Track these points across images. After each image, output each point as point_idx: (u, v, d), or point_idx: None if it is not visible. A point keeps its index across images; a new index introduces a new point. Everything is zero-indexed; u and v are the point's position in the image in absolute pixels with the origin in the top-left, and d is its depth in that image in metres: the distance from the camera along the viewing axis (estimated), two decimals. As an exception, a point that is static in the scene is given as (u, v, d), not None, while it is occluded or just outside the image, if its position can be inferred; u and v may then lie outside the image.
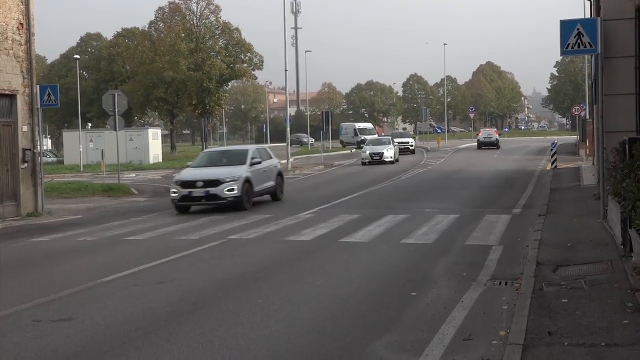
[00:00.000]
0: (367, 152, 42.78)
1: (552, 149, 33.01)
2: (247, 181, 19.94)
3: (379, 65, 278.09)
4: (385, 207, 18.63)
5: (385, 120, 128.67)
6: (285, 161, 41.13)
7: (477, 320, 7.53)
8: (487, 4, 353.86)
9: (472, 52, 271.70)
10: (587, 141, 35.77)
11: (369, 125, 78.81)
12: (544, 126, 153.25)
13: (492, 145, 56.59)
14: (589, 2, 27.62)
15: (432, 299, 8.57)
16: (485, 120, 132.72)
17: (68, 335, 7.51)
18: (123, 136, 46.87)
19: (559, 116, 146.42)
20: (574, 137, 62.14)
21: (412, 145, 57.06)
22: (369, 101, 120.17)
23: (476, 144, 59.84)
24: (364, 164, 41.77)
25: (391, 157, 42.18)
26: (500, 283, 9.31)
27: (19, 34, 20.32)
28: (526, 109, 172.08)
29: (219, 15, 62.28)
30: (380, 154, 41.96)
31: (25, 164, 20.50)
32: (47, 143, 79.23)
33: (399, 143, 54.92)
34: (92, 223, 18.23)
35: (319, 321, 7.74)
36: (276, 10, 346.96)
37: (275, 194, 22.13)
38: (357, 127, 74.30)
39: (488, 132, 60.88)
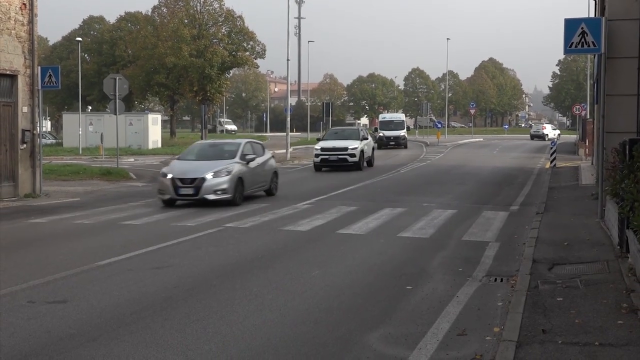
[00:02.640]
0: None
1: (551, 148, 33.00)
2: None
3: (381, 57, 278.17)
4: (383, 200, 18.63)
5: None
6: (284, 151, 41.16)
7: (471, 316, 7.54)
8: (492, 0, 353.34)
9: (474, 47, 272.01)
10: (587, 141, 35.78)
11: (398, 116, 58.69)
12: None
13: (541, 138, 65.61)
14: (593, 1, 27.56)
15: (427, 293, 8.58)
16: (486, 117, 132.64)
17: (62, 317, 7.52)
18: (123, 120, 46.83)
19: (560, 115, 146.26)
20: (573, 136, 62.20)
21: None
22: (370, 93, 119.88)
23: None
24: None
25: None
26: (495, 279, 9.32)
27: (22, 14, 20.24)
28: (527, 107, 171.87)
29: (222, 3, 62.07)
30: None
31: (24, 145, 20.46)
32: (47, 125, 79.17)
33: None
34: (90, 206, 18.21)
35: (313, 312, 7.74)
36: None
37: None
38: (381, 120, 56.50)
39: (537, 127, 74.97)
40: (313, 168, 31.50)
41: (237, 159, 18.68)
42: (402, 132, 52.69)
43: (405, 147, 52.21)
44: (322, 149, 30.88)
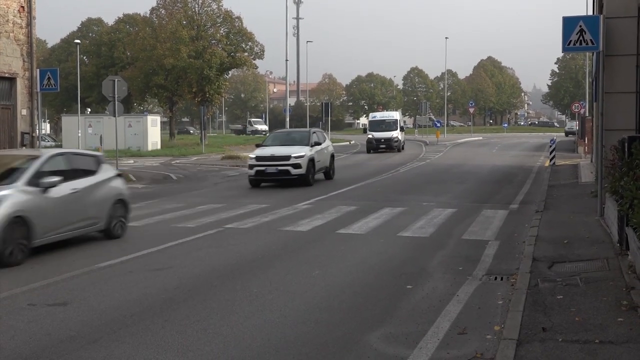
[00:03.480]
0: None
1: (551, 146, 33.01)
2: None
3: (379, 57, 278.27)
4: (383, 200, 18.64)
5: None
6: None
7: (472, 315, 7.54)
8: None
9: (473, 46, 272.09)
10: (586, 139, 35.79)
11: (390, 115, 51.20)
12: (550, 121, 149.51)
13: (575, 134, 64.21)
14: (592, -1, 27.56)
15: (427, 292, 8.59)
16: (485, 116, 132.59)
17: (63, 320, 7.52)
18: (122, 122, 46.82)
19: (559, 113, 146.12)
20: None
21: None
22: (369, 93, 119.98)
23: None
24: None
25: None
26: (495, 278, 9.33)
27: (20, 17, 20.25)
28: (526, 105, 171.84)
29: (220, 3, 62.04)
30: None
31: (24, 148, 20.46)
32: (46, 127, 79.14)
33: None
34: (89, 208, 18.17)
35: (314, 312, 7.75)
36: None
37: (328, 174, 25.35)
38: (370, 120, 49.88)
39: (570, 125, 74.00)
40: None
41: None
42: (395, 134, 45.81)
43: (399, 150, 45.66)
44: (258, 158, 23.14)
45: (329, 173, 25.79)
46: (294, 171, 22.80)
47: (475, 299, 8.22)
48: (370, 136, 46.49)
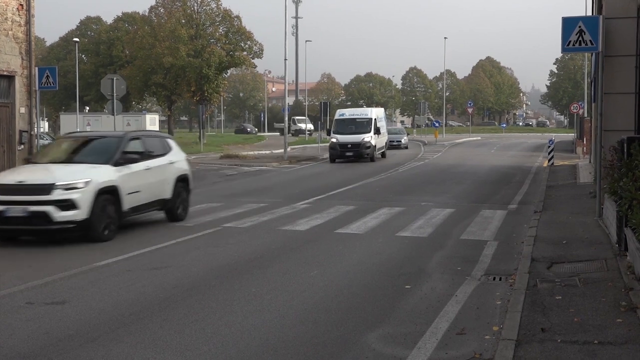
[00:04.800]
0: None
1: (549, 146, 33.02)
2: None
3: (378, 57, 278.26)
4: (381, 200, 18.63)
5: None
6: (282, 151, 41.15)
7: (470, 315, 7.54)
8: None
9: (472, 46, 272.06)
10: (585, 139, 35.81)
11: (362, 112, 40.49)
12: (545, 122, 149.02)
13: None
14: (591, 0, 27.58)
15: (426, 292, 8.58)
16: (483, 116, 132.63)
17: (61, 319, 7.51)
18: (121, 121, 46.82)
19: (557, 113, 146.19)
20: (571, 135, 62.26)
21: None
22: (367, 93, 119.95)
23: None
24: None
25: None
26: (494, 278, 9.33)
27: (19, 15, 20.21)
28: (524, 106, 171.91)
29: (219, 2, 62.02)
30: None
31: (22, 146, 20.43)
32: (44, 126, 79.04)
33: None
34: (88, 207, 18.14)
35: (312, 312, 7.74)
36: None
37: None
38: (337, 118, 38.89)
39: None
40: (311, 167, 28.40)
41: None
42: (368, 137, 35.41)
43: (372, 159, 35.45)
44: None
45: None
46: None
47: (473, 299, 8.22)
48: (334, 140, 35.96)
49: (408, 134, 57.49)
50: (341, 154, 35.30)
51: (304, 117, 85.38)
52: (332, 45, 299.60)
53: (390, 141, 45.48)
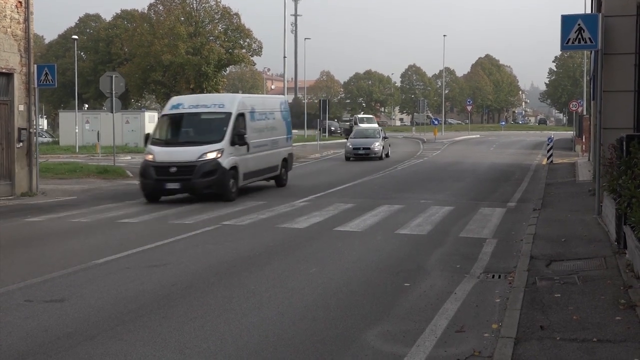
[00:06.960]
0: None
1: (548, 144, 33.02)
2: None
3: (377, 54, 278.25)
4: (381, 197, 18.63)
5: (383, 110, 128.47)
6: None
7: (469, 313, 7.53)
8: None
9: (471, 44, 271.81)
10: (584, 137, 35.81)
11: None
12: (546, 120, 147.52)
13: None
14: (590, -3, 27.54)
15: (425, 290, 8.58)
16: (483, 114, 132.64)
17: (60, 316, 7.50)
18: (119, 118, 46.69)
19: (556, 111, 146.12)
20: (570, 133, 62.27)
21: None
22: (366, 91, 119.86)
23: None
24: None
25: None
26: (493, 276, 9.32)
27: (18, 12, 20.19)
28: (524, 103, 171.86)
29: (218, 0, 61.98)
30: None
31: (21, 144, 20.41)
32: (43, 123, 78.97)
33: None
34: (87, 204, 18.18)
35: (311, 309, 7.74)
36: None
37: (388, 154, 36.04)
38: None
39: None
40: (310, 165, 29.86)
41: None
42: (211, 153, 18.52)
43: (282, 184, 22.23)
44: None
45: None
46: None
47: (472, 297, 8.22)
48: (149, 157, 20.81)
49: (386, 137, 38.92)
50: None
51: (370, 116, 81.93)
52: (331, 42, 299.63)
53: (354, 148, 35.44)
